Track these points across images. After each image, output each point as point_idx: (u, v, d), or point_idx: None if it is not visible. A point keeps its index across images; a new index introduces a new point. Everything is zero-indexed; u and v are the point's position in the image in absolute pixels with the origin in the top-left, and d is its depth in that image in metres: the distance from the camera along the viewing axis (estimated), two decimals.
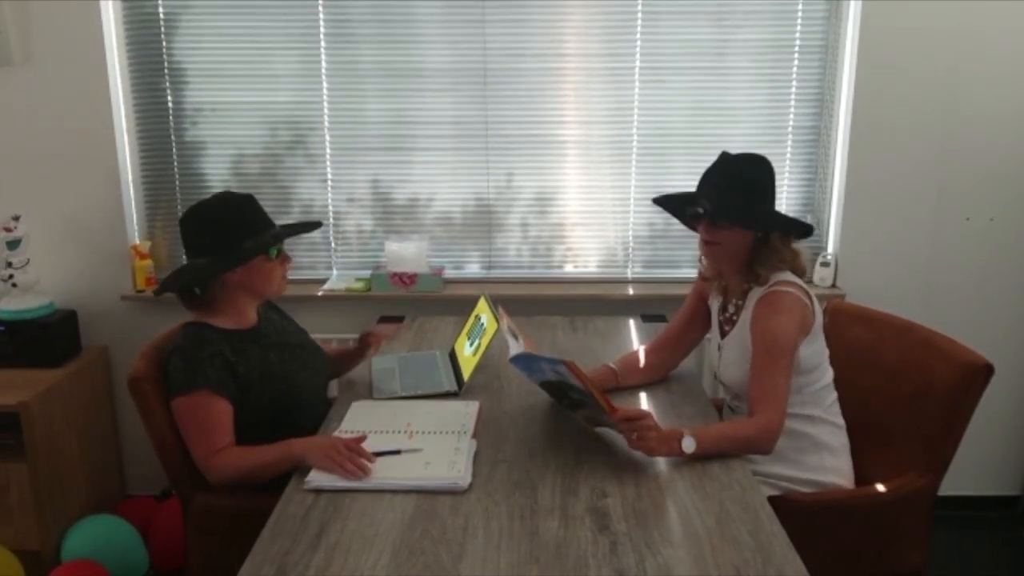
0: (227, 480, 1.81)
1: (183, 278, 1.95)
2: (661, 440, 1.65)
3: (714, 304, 2.10)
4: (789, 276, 1.90)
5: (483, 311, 2.22)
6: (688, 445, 1.65)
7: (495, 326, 2.09)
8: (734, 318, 1.98)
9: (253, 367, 1.92)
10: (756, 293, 1.90)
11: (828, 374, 1.98)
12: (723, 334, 2.03)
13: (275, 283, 1.99)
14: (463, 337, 2.28)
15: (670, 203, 2.05)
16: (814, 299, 1.89)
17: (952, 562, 2.80)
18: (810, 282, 2.99)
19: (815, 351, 1.90)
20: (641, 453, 1.67)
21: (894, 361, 2.09)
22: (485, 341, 2.10)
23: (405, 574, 1.30)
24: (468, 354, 2.16)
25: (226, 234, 1.90)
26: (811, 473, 1.91)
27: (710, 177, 1.92)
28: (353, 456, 1.64)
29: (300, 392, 2.00)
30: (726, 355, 2.00)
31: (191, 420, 1.84)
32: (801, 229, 1.93)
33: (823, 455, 1.92)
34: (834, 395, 2.00)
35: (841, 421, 2.00)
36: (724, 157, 1.93)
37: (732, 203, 1.87)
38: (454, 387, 2.06)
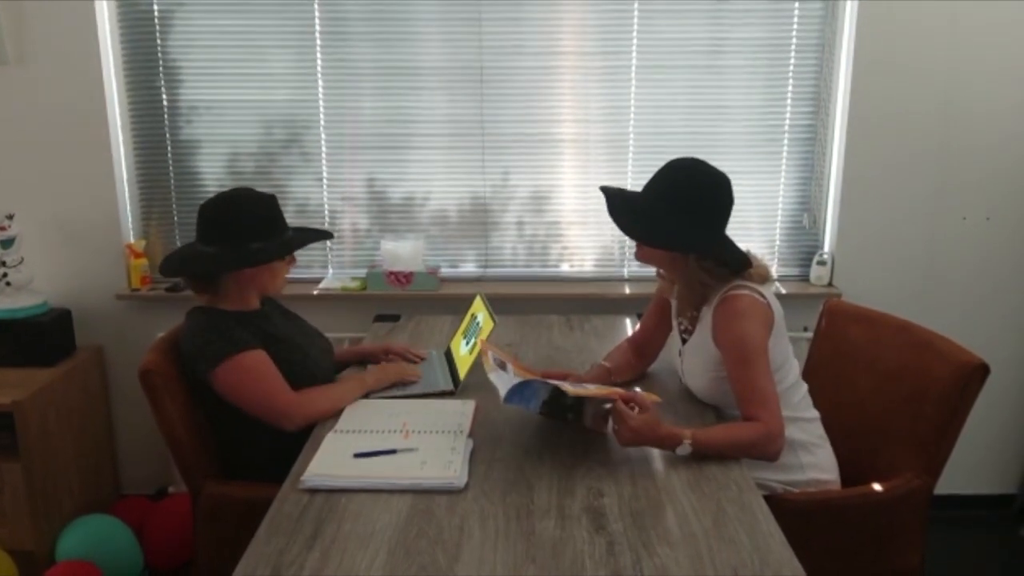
0: (308, 422, 1.88)
1: (198, 267, 2.01)
2: (645, 442, 1.65)
3: (673, 307, 2.09)
4: (740, 281, 1.85)
5: (479, 310, 2.21)
6: (682, 451, 1.65)
7: (491, 325, 2.08)
8: (690, 328, 1.98)
9: (267, 338, 1.99)
10: (711, 302, 1.88)
11: (794, 370, 1.96)
12: (683, 340, 2.02)
13: (279, 281, 2.10)
14: (459, 336, 2.27)
15: (612, 196, 1.96)
16: (769, 297, 1.86)
17: (948, 561, 2.81)
18: (805, 280, 3.00)
19: (778, 350, 1.87)
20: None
21: (891, 361, 2.08)
22: (481, 340, 2.09)
23: (401, 574, 1.29)
24: (464, 353, 2.16)
25: (245, 230, 1.99)
26: (789, 474, 1.89)
27: (650, 182, 1.89)
28: (409, 367, 2.12)
29: (315, 365, 2.07)
30: (687, 363, 1.99)
31: (251, 376, 1.91)
32: (716, 259, 1.84)
33: (798, 453, 1.91)
34: (803, 389, 1.98)
35: (812, 413, 1.99)
36: (666, 166, 1.87)
37: (642, 213, 1.84)
38: (450, 386, 2.05)
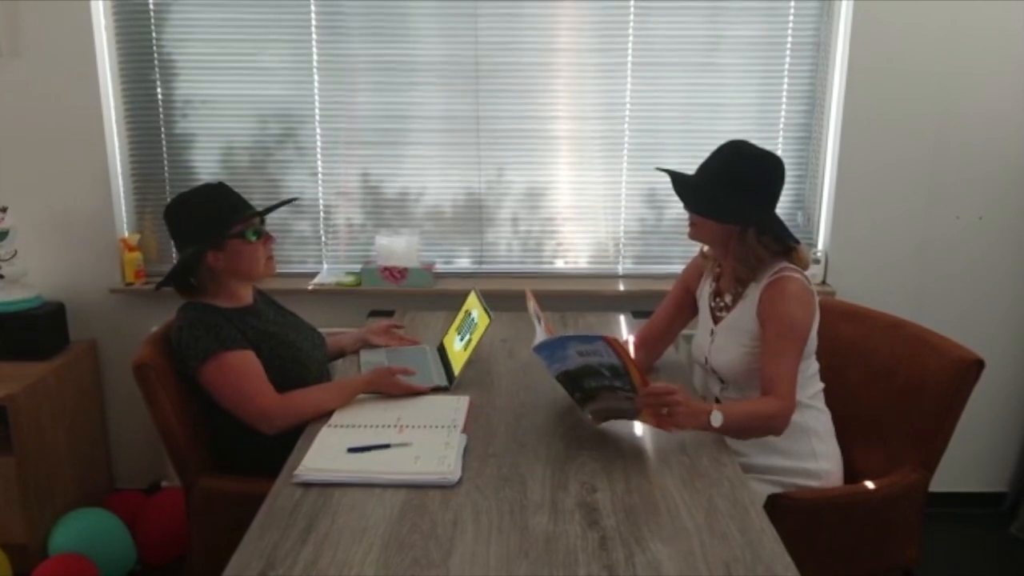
0: (288, 425, 1.86)
1: (175, 270, 2.02)
2: (690, 414, 1.67)
3: (704, 289, 2.10)
4: (788, 264, 1.90)
5: (474, 307, 2.21)
6: (716, 419, 1.67)
7: (487, 321, 2.08)
8: (730, 306, 1.99)
9: (259, 335, 2.00)
10: (759, 280, 1.91)
11: (816, 364, 2.01)
12: (716, 320, 2.03)
13: (259, 264, 2.05)
14: (452, 332, 2.28)
15: (674, 178, 2.01)
16: (813, 287, 1.91)
17: (939, 559, 2.82)
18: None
19: (812, 339, 1.92)
20: (638, 437, 1.70)
21: (884, 357, 2.10)
22: (476, 336, 2.09)
23: (394, 568, 1.30)
24: (458, 349, 2.16)
25: (202, 222, 1.98)
26: (803, 461, 1.92)
27: (706, 161, 1.93)
28: (404, 379, 1.97)
29: (307, 360, 2.07)
30: (719, 341, 2.00)
31: (234, 376, 1.90)
32: (774, 233, 1.90)
33: (811, 440, 1.94)
34: (821, 385, 2.02)
35: (826, 409, 2.02)
36: (722, 147, 1.91)
37: (702, 190, 1.89)
38: (444, 382, 2.05)
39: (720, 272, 2.05)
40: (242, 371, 1.91)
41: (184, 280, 2.03)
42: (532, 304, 2.04)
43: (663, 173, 1.98)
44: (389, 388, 1.97)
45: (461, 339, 2.17)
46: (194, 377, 1.93)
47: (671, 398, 1.64)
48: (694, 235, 1.97)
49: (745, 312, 1.93)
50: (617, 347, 1.61)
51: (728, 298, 2.01)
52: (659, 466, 1.64)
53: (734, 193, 1.86)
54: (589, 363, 1.70)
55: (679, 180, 1.95)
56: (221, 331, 1.93)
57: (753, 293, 1.92)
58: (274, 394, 1.91)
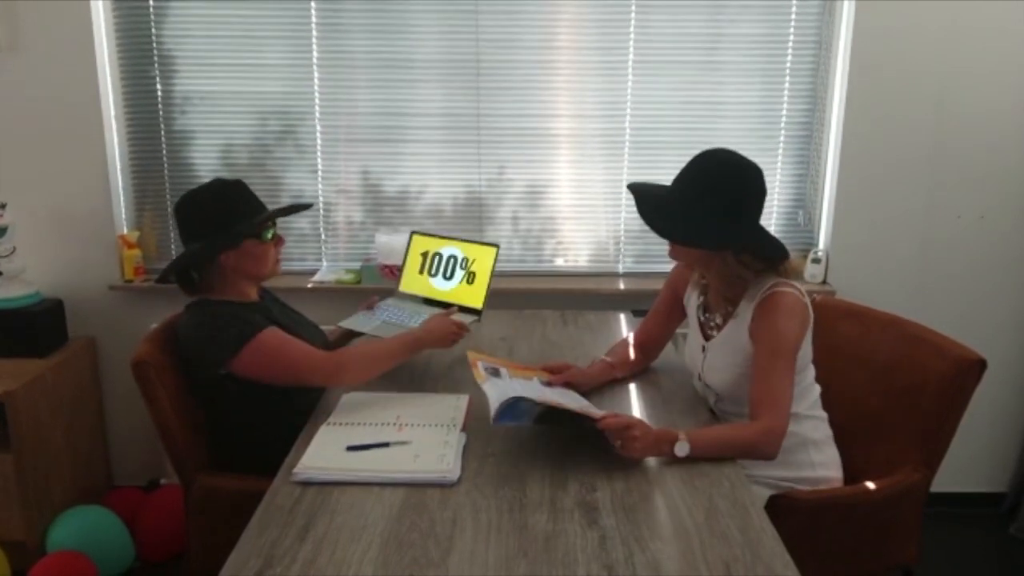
0: (359, 378, 1.91)
1: (179, 263, 2.00)
2: (648, 446, 1.62)
3: (691, 299, 2.05)
4: (780, 279, 1.83)
5: (441, 245, 2.25)
6: (680, 449, 1.62)
7: (492, 250, 2.16)
8: (721, 324, 1.94)
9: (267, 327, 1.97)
10: (751, 298, 1.85)
11: (812, 371, 1.98)
12: (706, 336, 1.98)
13: (269, 265, 2.05)
14: (414, 276, 2.33)
15: (641, 194, 1.90)
16: (807, 298, 1.87)
17: (938, 559, 2.82)
18: (799, 278, 3.00)
19: (806, 351, 1.88)
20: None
21: (885, 356, 2.09)
22: (484, 268, 2.16)
23: (393, 567, 1.29)
24: (454, 288, 2.22)
25: (217, 219, 1.96)
26: (802, 471, 1.90)
27: (679, 174, 1.83)
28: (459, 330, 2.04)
29: None
30: (712, 358, 1.95)
31: (280, 351, 1.89)
32: (751, 253, 1.81)
33: (809, 450, 1.92)
34: (817, 390, 1.99)
35: (823, 414, 1.99)
36: (696, 159, 1.81)
37: (672, 211, 1.78)
38: (474, 317, 2.15)
39: (707, 284, 1.99)
40: (281, 343, 1.89)
41: (186, 276, 2.01)
42: (480, 366, 1.83)
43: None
44: (449, 332, 2.04)
45: (447, 278, 2.18)
46: (221, 370, 1.88)
47: (628, 433, 1.61)
48: (673, 255, 1.88)
49: (737, 331, 1.87)
50: (558, 408, 1.64)
51: (718, 317, 1.95)
52: (659, 465, 1.63)
53: (708, 212, 1.75)
54: (547, 401, 1.67)
55: (646, 198, 1.83)
56: (241, 317, 1.91)
57: (745, 312, 1.85)
58: (322, 351, 1.92)
